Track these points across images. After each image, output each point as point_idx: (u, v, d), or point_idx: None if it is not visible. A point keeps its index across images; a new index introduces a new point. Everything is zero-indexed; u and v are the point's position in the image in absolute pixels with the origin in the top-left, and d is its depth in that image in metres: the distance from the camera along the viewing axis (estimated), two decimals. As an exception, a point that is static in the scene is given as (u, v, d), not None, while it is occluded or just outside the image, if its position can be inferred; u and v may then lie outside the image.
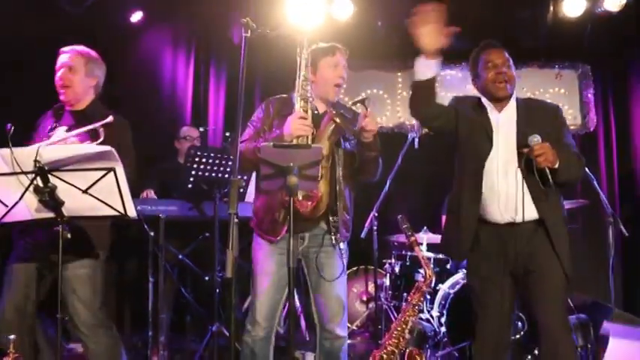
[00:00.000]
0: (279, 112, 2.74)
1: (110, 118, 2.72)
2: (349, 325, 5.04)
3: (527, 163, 2.56)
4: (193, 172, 3.94)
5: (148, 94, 5.29)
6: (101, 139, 2.66)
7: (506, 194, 2.59)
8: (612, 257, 4.43)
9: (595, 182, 4.35)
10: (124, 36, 5.12)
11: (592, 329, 4.11)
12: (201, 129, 4.80)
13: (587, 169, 4.38)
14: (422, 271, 4.32)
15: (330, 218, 2.66)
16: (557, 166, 2.52)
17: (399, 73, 5.76)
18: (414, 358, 2.66)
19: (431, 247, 4.45)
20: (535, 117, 2.68)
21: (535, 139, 2.51)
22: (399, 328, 2.75)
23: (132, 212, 2.39)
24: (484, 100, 2.79)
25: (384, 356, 2.71)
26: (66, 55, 2.90)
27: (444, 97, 5.59)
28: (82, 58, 2.90)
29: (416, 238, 2.93)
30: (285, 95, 2.85)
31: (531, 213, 2.59)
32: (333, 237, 2.66)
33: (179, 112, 5.43)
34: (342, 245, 2.69)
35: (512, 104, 2.74)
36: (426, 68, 2.58)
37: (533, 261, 2.59)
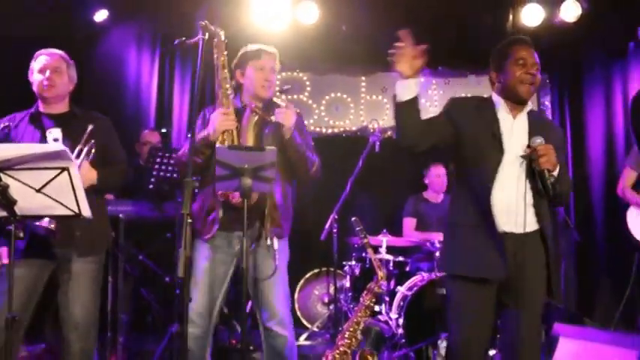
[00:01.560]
0: None
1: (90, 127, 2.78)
2: (309, 327, 5.10)
3: (528, 168, 2.45)
4: (154, 173, 3.94)
5: (111, 94, 5.24)
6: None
7: (510, 204, 2.45)
8: (564, 261, 4.58)
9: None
10: (88, 35, 5.08)
11: (545, 330, 4.23)
12: (163, 130, 4.81)
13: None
14: (381, 272, 4.42)
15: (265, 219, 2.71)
16: (556, 172, 2.43)
17: (363, 77, 5.83)
18: (366, 358, 2.70)
19: (390, 249, 4.51)
20: (546, 133, 2.50)
21: (538, 140, 2.41)
22: (351, 329, 2.79)
23: (86, 212, 2.39)
24: (497, 99, 2.60)
25: (337, 356, 2.75)
26: (49, 58, 2.88)
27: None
28: (65, 62, 2.92)
29: (369, 240, 2.98)
30: None
31: (533, 225, 2.48)
32: (267, 237, 2.71)
33: (143, 113, 5.40)
34: (276, 245, 2.72)
35: (524, 112, 2.58)
36: (403, 89, 2.40)
37: (523, 270, 2.45)
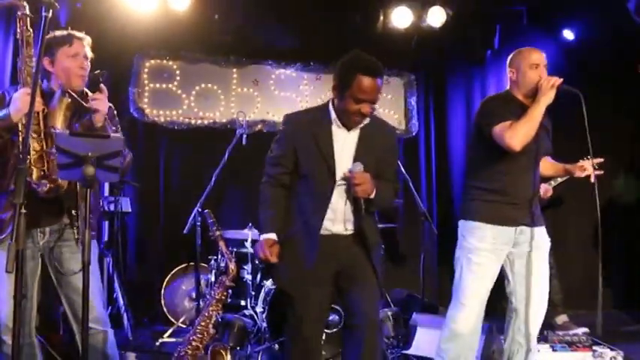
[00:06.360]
0: None
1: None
2: (174, 322, 4.95)
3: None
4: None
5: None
6: None
7: (337, 210, 2.62)
8: (422, 253, 4.80)
9: (411, 183, 4.68)
10: None
11: (404, 320, 4.41)
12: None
13: (404, 172, 4.71)
14: (247, 266, 4.39)
15: (73, 212, 2.56)
16: (372, 196, 2.55)
17: (235, 69, 5.73)
18: (219, 353, 2.64)
19: (256, 243, 4.47)
20: (374, 142, 2.64)
21: (358, 168, 2.51)
22: (203, 323, 2.73)
23: None
24: (332, 113, 2.63)
25: (189, 352, 2.67)
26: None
27: (278, 95, 5.82)
28: None
29: (221, 233, 2.93)
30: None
31: (352, 226, 2.65)
32: (75, 231, 2.55)
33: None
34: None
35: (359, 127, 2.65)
36: None
37: (353, 264, 2.65)
